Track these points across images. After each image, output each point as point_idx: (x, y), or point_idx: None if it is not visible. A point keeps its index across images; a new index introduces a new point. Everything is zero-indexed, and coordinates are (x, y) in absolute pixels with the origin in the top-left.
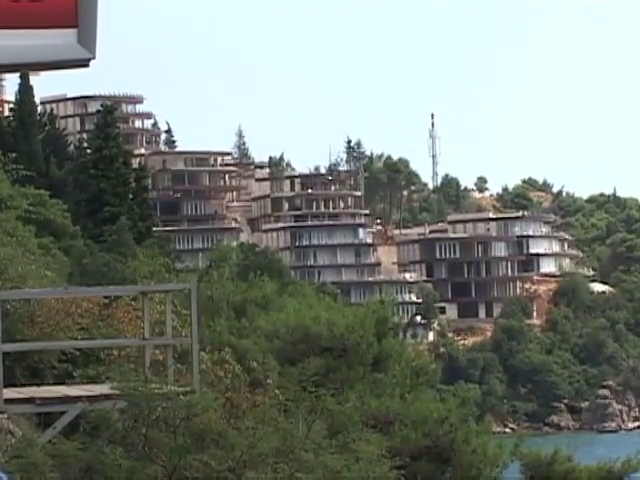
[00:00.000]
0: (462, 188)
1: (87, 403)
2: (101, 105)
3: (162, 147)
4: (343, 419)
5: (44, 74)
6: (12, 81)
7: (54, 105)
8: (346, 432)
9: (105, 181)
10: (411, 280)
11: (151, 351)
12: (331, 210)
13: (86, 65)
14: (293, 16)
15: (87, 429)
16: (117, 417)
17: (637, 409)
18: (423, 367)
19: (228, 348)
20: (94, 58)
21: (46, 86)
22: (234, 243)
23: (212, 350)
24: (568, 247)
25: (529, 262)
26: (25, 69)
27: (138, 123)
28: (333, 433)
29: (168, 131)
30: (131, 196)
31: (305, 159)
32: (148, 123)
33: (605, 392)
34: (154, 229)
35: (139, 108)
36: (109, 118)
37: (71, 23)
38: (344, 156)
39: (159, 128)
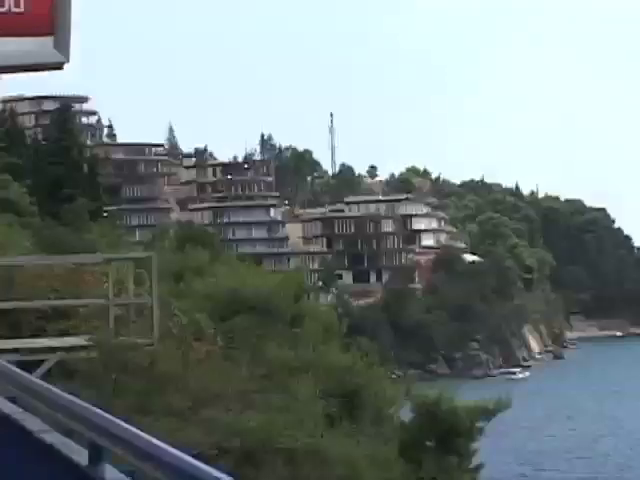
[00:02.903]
0: (356, 175)
1: (64, 353)
2: (59, 104)
3: (105, 140)
4: (278, 365)
5: (4, 77)
6: None
7: (13, 104)
8: (283, 376)
9: (63, 168)
10: (314, 251)
11: (115, 309)
12: (247, 193)
13: (60, 68)
14: (212, 12)
15: (59, 375)
16: (89, 365)
17: (501, 358)
18: (331, 324)
19: (176, 303)
20: (68, 62)
21: (6, 87)
22: (166, 221)
23: (161, 307)
24: (444, 224)
25: (412, 237)
26: (5, 72)
27: (84, 119)
28: (270, 377)
29: (110, 126)
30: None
31: (225, 150)
32: (93, 119)
33: (474, 345)
34: (104, 208)
35: (85, 106)
36: (66, 114)
37: (48, 31)
38: (258, 147)
39: (102, 123)
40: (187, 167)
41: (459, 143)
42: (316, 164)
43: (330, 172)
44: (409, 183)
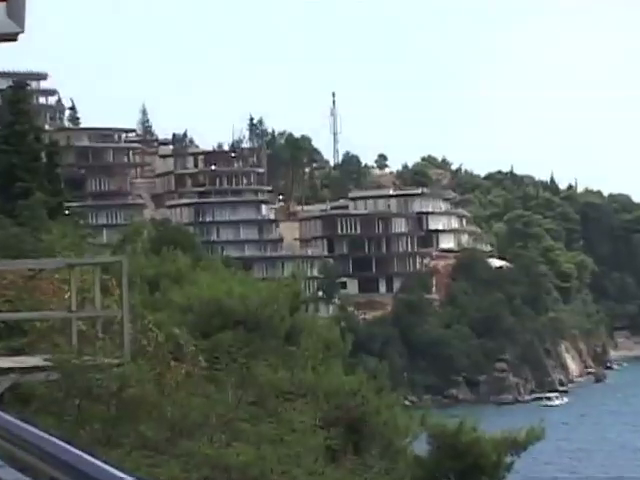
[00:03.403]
0: (363, 165)
1: (19, 375)
2: (12, 81)
3: (67, 124)
4: (270, 389)
5: None
6: None
7: None
8: (276, 402)
9: (17, 156)
10: (313, 255)
11: (77, 323)
12: (234, 187)
13: (14, 39)
14: None
15: (13, 400)
16: (48, 389)
17: (533, 382)
18: (333, 340)
19: (150, 317)
20: (23, 32)
21: None
22: (138, 219)
23: (133, 320)
24: (466, 223)
25: (428, 238)
26: None
27: (42, 100)
28: (261, 403)
29: (72, 108)
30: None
31: (208, 136)
32: (52, 100)
33: (502, 365)
34: (65, 204)
35: (43, 85)
36: (20, 94)
37: None
38: (247, 134)
39: (63, 105)
40: (163, 156)
41: (484, 129)
42: (315, 153)
43: (332, 162)
44: (425, 175)
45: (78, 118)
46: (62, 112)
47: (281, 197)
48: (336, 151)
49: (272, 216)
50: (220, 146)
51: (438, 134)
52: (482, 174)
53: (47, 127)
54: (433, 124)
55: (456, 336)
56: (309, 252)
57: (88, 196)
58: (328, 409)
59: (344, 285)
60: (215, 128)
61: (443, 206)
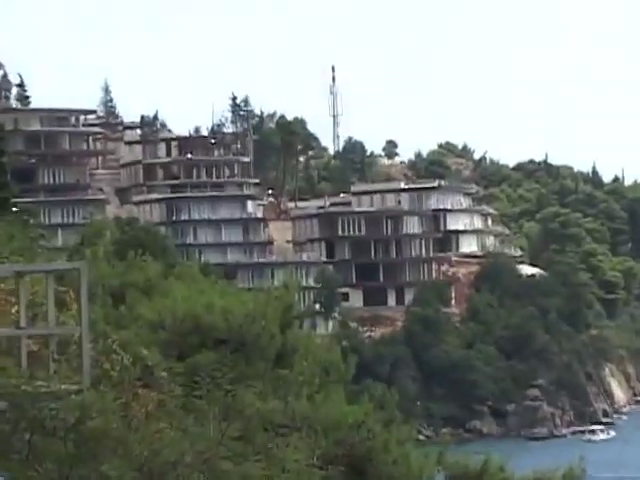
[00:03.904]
0: (368, 153)
1: None
2: None
3: (13, 103)
4: (258, 421)
5: None
6: None
7: None
8: (265, 436)
9: None
10: (309, 261)
11: (27, 342)
12: (214, 179)
13: None
14: None
15: None
16: None
17: (572, 412)
18: (333, 363)
19: (114, 336)
20: None
21: None
22: (100, 217)
23: (93, 339)
24: (492, 223)
25: (446, 240)
26: None
27: None
28: (248, 437)
29: (21, 85)
30: None
31: (183, 119)
32: None
33: (534, 392)
34: (12, 200)
35: None
36: None
37: None
38: (229, 116)
39: (9, 81)
40: (130, 142)
41: (512, 110)
42: (312, 138)
43: (332, 149)
44: (442, 165)
45: (28, 97)
46: (8, 90)
47: (270, 191)
48: (336, 136)
49: (260, 214)
50: (197, 130)
51: (458, 117)
52: (510, 164)
53: None
54: (452, 105)
55: (480, 358)
56: (304, 257)
57: (40, 190)
58: (327, 445)
59: (346, 297)
60: (191, 109)
61: (464, 202)
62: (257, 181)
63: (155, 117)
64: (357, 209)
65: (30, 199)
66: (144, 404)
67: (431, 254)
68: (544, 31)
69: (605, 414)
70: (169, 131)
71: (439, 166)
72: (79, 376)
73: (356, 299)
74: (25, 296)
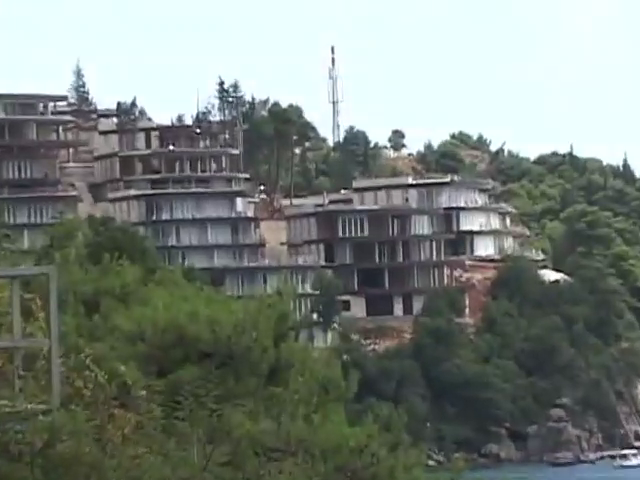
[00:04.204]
0: (372, 145)
1: None
2: None
3: None
4: (248, 444)
5: None
6: None
7: None
8: (256, 461)
9: None
10: (305, 265)
11: None
12: (199, 173)
13: None
14: None
15: None
16: None
17: (600, 435)
18: (333, 379)
19: (88, 350)
20: None
21: None
22: (71, 216)
23: (64, 353)
24: (511, 222)
25: (460, 242)
26: None
27: None
28: (237, 462)
29: None
30: None
31: (165, 106)
32: None
33: (559, 413)
34: None
35: None
36: None
37: None
38: (216, 102)
39: None
40: (105, 132)
41: (533, 97)
42: (309, 128)
43: (331, 140)
44: (455, 158)
45: None
46: None
47: (262, 187)
48: (336, 126)
49: (250, 213)
50: (180, 119)
51: (473, 104)
52: (531, 157)
53: None
54: (466, 91)
55: (497, 374)
56: (300, 261)
57: (4, 186)
58: (326, 471)
59: (347, 305)
60: (174, 95)
61: (479, 199)
62: (247, 176)
63: (133, 104)
64: (359, 207)
65: None
66: (120, 426)
67: (442, 258)
68: (570, 13)
69: (637, 437)
70: (149, 119)
71: (451, 159)
72: (48, 395)
73: (358, 308)
74: None
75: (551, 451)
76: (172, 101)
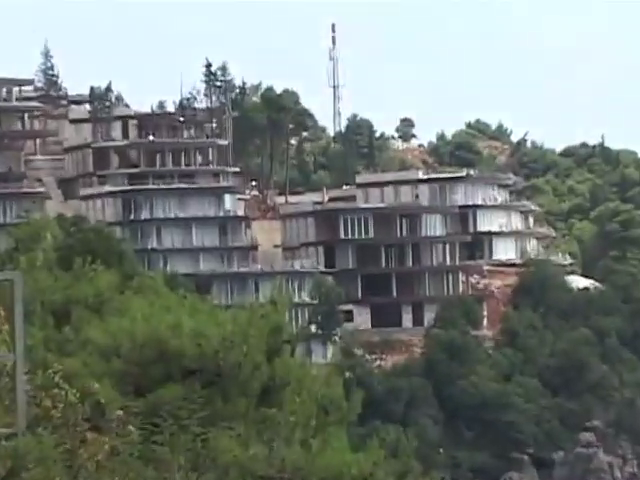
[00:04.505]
0: (378, 135)
1: None
2: None
3: None
4: (238, 472)
5: None
6: None
7: None
8: None
9: None
10: (303, 271)
11: None
12: (183, 167)
13: None
14: None
15: None
16: None
17: (635, 461)
18: (333, 399)
19: (57, 366)
20: None
21: None
22: (38, 215)
23: (31, 369)
24: (534, 222)
25: (477, 244)
26: None
27: None
28: None
29: None
30: None
31: (144, 91)
32: None
33: (588, 437)
34: None
35: None
36: None
37: None
38: (202, 87)
39: None
40: (76, 121)
41: (559, 81)
42: (306, 116)
43: (332, 130)
44: (471, 150)
45: None
46: None
47: (254, 183)
48: (337, 113)
49: (240, 211)
50: (162, 106)
51: (491, 89)
52: (558, 148)
53: None
54: (483, 75)
55: (519, 393)
56: (296, 266)
57: None
58: None
59: (349, 316)
60: (154, 79)
61: (499, 196)
62: (237, 170)
63: (108, 89)
64: (363, 205)
65: None
66: (94, 451)
67: (457, 262)
68: None
69: None
70: (126, 106)
71: (467, 151)
72: (12, 416)
73: (362, 319)
74: None
75: (580, 479)
76: (152, 86)
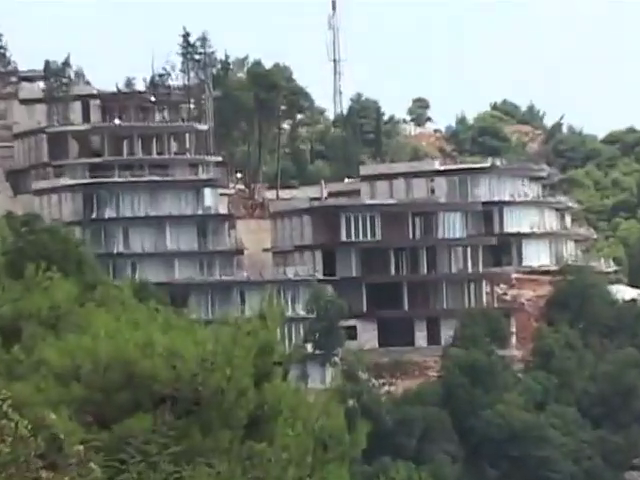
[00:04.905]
0: (386, 118)
1: None
2: None
3: None
4: None
5: None
6: None
7: None
8: None
9: None
10: (297, 279)
11: None
12: (155, 156)
13: None
14: None
15: None
16: None
17: None
18: (334, 432)
19: (5, 392)
20: None
21: None
22: None
23: None
24: (572, 222)
25: (504, 248)
26: None
27: None
28: None
29: None
30: None
31: (108, 66)
32: None
33: (636, 476)
34: None
35: None
36: None
37: None
38: (179, 61)
39: None
40: (28, 101)
41: (600, 54)
42: (301, 95)
43: (332, 112)
44: (497, 135)
45: None
46: None
47: (239, 175)
48: (338, 92)
49: (223, 209)
50: (130, 83)
51: (520, 64)
52: (600, 134)
53: None
54: (510, 47)
55: (554, 424)
56: (290, 273)
57: None
58: None
59: (353, 332)
60: (121, 52)
61: (530, 191)
62: (219, 159)
63: (66, 63)
64: (369, 202)
65: None
66: None
67: (480, 269)
68: None
69: None
70: (87, 84)
71: (492, 137)
72: None
73: (368, 336)
74: None
75: None
76: (118, 60)
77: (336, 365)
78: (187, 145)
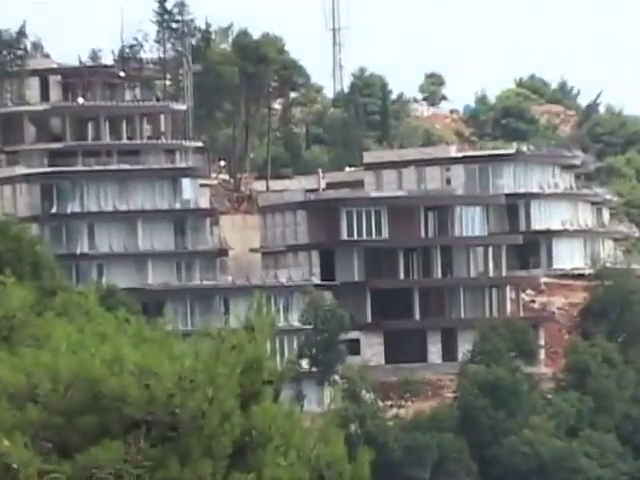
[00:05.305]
0: (394, 97)
1: None
2: None
3: None
4: None
5: None
6: None
7: None
8: None
9: None
10: (291, 284)
11: None
12: (125, 141)
13: None
14: None
15: None
16: None
17: None
18: (333, 460)
19: None
20: None
21: None
22: None
23: None
24: (611, 218)
25: (531, 248)
26: None
27: None
28: None
29: None
30: None
31: (71, 36)
32: None
33: None
34: None
35: None
36: None
37: None
38: (153, 30)
39: None
40: None
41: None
42: (296, 70)
43: (331, 90)
44: (523, 117)
45: None
46: None
47: (223, 163)
48: (339, 67)
49: (204, 202)
50: (95, 56)
51: (547, 34)
52: None
53: None
54: (536, 13)
55: (589, 453)
56: (282, 278)
57: None
58: None
59: (355, 346)
60: (84, 20)
61: (561, 181)
62: (200, 145)
63: (21, 33)
64: (374, 194)
65: None
66: None
67: (504, 272)
68: None
69: None
70: (46, 57)
71: (518, 118)
72: None
73: (373, 351)
74: None
75: None
76: (82, 29)
77: (336, 384)
78: (162, 128)
